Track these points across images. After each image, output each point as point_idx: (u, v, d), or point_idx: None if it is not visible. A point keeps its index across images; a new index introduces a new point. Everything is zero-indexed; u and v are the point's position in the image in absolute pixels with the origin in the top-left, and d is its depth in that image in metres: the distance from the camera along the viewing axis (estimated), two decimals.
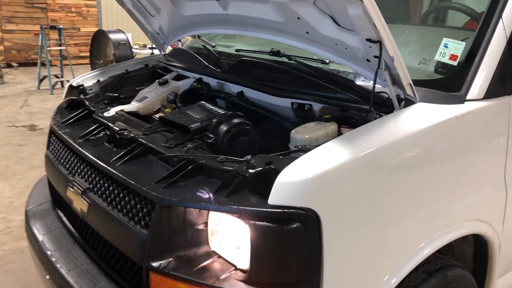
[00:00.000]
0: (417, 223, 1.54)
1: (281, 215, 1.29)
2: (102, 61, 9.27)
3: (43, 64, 9.59)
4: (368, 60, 1.63)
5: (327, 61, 1.96)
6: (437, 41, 1.81)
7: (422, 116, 1.57)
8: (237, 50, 2.44)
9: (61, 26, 10.04)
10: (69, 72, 9.86)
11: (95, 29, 12.08)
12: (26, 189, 4.32)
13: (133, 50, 9.40)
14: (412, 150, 1.50)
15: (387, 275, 1.49)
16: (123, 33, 9.28)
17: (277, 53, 2.11)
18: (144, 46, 10.06)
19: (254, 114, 2.02)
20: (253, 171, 1.40)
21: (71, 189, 1.92)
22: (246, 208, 1.32)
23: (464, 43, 1.74)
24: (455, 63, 1.73)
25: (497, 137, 1.77)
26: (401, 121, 1.54)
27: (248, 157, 1.44)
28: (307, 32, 1.81)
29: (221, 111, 1.90)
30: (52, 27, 10.37)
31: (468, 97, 1.66)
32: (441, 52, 1.76)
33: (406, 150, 1.49)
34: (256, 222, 1.31)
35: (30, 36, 12.95)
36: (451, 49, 1.74)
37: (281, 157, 1.47)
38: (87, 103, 2.39)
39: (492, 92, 1.70)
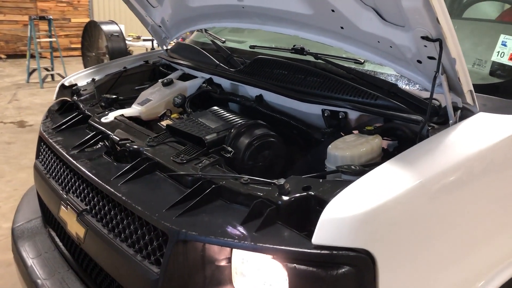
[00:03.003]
0: (484, 256, 1.30)
1: (329, 257, 1.05)
2: (94, 54, 8.89)
3: (32, 56, 9.20)
4: (419, 62, 1.37)
5: (362, 61, 1.69)
6: (491, 38, 1.56)
7: (488, 129, 1.31)
8: (252, 47, 2.15)
9: (51, 17, 9.63)
10: (60, 64, 9.47)
11: (86, 20, 11.65)
12: (15, 193, 4.02)
13: (127, 42, 9.02)
14: (483, 172, 1.25)
15: None
16: (116, 24, 8.89)
17: (300, 51, 1.83)
18: (138, 37, 9.64)
19: (276, 122, 1.75)
20: (288, 198, 1.16)
21: (65, 209, 1.66)
22: (286, 248, 1.07)
23: None
24: None
25: None
26: (467, 136, 1.29)
27: (282, 180, 1.19)
28: (342, 27, 1.54)
29: (240, 120, 1.64)
30: (42, 18, 9.92)
31: None
32: (498, 52, 1.51)
33: (476, 173, 1.23)
34: (297, 266, 1.06)
35: (19, 27, 12.49)
36: (511, 47, 1.49)
37: (320, 180, 1.21)
38: (81, 105, 2.12)
39: None
